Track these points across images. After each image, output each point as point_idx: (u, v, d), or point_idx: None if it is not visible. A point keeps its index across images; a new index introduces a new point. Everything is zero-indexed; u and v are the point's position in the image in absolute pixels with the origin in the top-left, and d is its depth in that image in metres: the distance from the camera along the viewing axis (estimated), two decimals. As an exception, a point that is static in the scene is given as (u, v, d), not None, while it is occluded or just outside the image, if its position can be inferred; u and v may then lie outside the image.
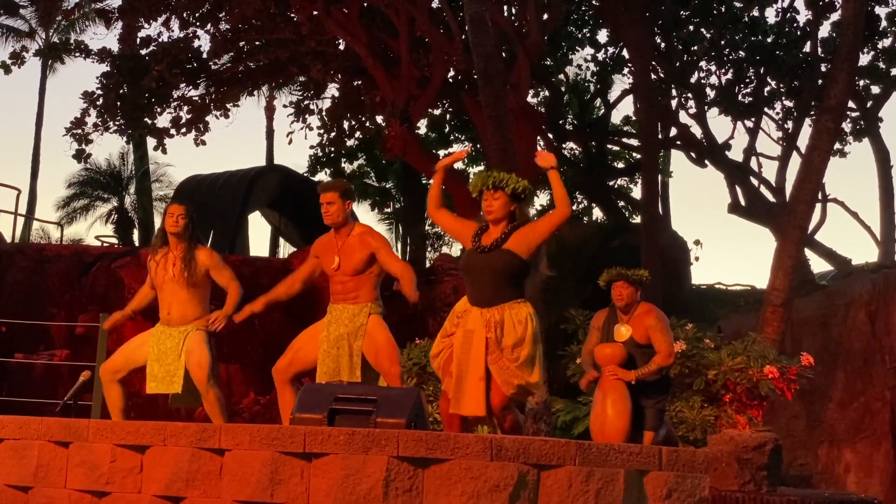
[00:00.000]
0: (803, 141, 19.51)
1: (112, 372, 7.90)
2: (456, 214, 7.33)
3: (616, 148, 28.54)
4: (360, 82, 22.54)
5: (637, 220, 24.28)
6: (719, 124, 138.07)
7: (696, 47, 22.89)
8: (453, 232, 7.16)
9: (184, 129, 22.35)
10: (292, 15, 20.75)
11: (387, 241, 7.58)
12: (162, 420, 7.34)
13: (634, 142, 26.04)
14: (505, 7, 20.92)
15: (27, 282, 16.86)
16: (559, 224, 6.67)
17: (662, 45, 22.94)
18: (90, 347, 12.53)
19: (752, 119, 23.37)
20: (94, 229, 32.96)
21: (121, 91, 21.21)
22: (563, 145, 25.95)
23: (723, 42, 22.71)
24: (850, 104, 21.54)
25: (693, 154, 23.89)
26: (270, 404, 14.51)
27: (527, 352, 6.60)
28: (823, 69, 21.00)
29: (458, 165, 29.01)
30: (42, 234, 31.78)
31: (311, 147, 27.88)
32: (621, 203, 26.95)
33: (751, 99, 22.97)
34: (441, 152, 28.48)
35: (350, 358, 7.30)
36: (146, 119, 22.02)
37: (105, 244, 25.95)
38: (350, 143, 26.66)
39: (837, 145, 22.79)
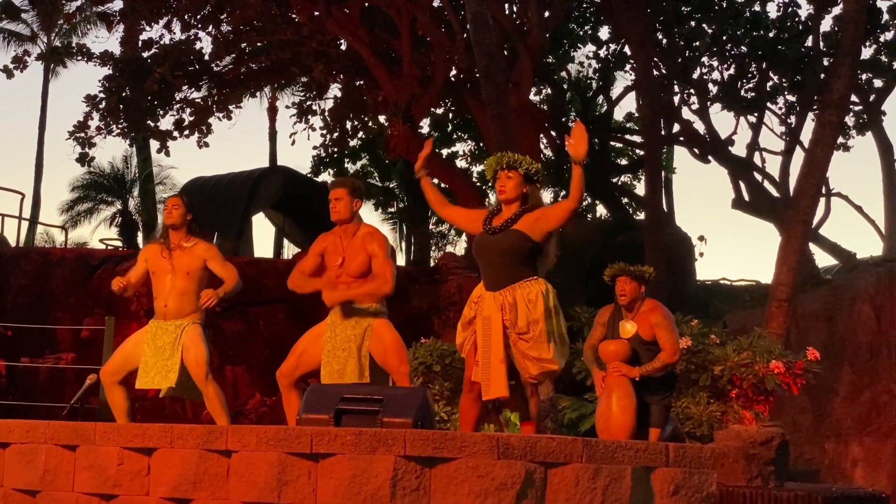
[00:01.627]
0: (806, 135, 19.47)
1: (112, 374, 7.85)
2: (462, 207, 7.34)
3: (619, 145, 28.55)
4: (362, 82, 22.55)
5: (641, 216, 24.29)
6: (722, 120, 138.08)
7: (697, 43, 22.90)
8: (465, 223, 7.18)
9: (186, 132, 22.38)
10: (293, 16, 20.77)
11: (386, 244, 7.43)
12: (168, 422, 7.35)
13: (637, 138, 26.04)
14: (506, 5, 20.92)
15: (32, 286, 16.89)
16: (569, 214, 6.70)
17: (664, 41, 22.94)
18: (96, 350, 12.55)
19: (755, 114, 23.36)
20: (98, 233, 32.97)
21: (123, 94, 21.24)
22: (566, 143, 25.93)
23: (725, 37, 22.71)
24: (853, 98, 21.50)
25: (696, 150, 23.90)
26: (277, 405, 14.51)
27: (540, 328, 6.62)
28: (826, 63, 20.98)
29: (461, 164, 29.07)
30: (46, 237, 31.83)
31: (314, 148, 28.01)
32: (625, 200, 26.97)
33: (753, 94, 22.96)
34: (444, 151, 28.51)
35: (358, 360, 7.27)
36: (149, 122, 22.05)
37: (109, 247, 26.00)
38: (353, 143, 26.68)
39: (840, 139, 22.75)
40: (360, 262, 7.37)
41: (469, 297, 6.92)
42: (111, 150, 65.50)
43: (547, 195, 28.44)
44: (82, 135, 21.48)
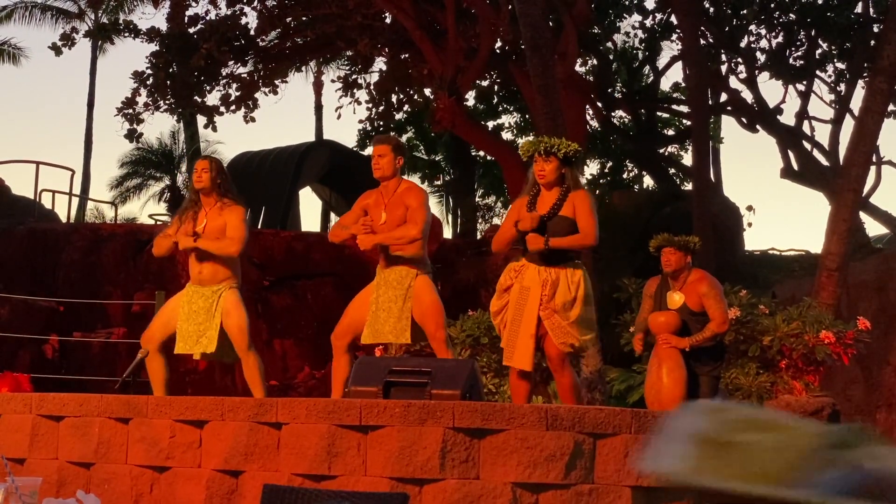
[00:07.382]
0: (856, 103, 19.27)
1: (149, 341, 7.75)
2: (507, 218, 7.41)
3: (666, 115, 28.34)
4: (407, 55, 22.51)
5: (688, 187, 24.12)
6: (770, 88, 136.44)
7: (745, 11, 22.62)
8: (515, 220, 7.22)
9: (233, 107, 22.46)
10: (338, -11, 20.72)
11: (423, 196, 7.45)
12: (219, 395, 7.42)
13: (684, 108, 25.82)
14: (551, -25, 20.76)
15: (83, 261, 17.03)
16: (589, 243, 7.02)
17: (711, 9, 22.70)
18: (146, 325, 12.64)
19: (804, 82, 23.09)
20: (147, 208, 33.32)
21: (170, 70, 21.33)
22: (613, 113, 25.80)
23: (773, 5, 22.43)
24: (904, 64, 21.18)
25: (744, 119, 23.68)
26: (326, 378, 14.60)
27: (577, 312, 6.78)
28: (876, 30, 20.70)
29: (507, 136, 29.00)
30: (97, 213, 32.12)
31: (360, 121, 27.93)
32: (672, 170, 26.78)
33: (802, 62, 22.69)
34: (490, 123, 28.44)
35: (398, 321, 7.26)
36: (196, 97, 22.15)
37: (159, 223, 26.19)
38: (399, 116, 26.65)
39: (891, 107, 22.43)
40: (400, 216, 7.35)
41: (508, 265, 7.03)
42: (159, 126, 65.91)
43: (594, 166, 28.41)
44: (130, 111, 21.62)
